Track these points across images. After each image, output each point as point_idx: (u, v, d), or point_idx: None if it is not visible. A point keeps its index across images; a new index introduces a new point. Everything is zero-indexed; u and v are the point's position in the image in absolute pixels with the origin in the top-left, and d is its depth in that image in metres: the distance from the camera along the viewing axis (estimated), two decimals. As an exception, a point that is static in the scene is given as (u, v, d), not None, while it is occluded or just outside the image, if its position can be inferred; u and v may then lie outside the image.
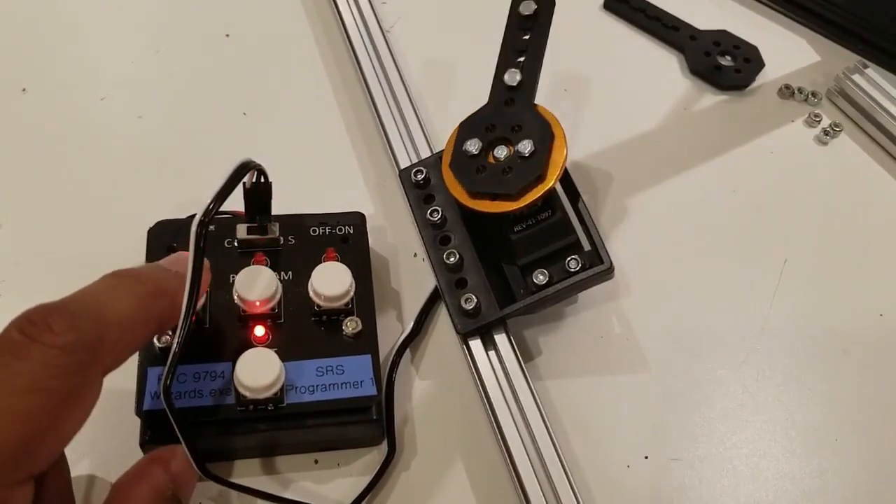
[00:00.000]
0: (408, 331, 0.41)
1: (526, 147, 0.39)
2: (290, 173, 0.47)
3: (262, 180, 0.36)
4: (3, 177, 0.45)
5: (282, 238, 0.39)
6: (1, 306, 0.40)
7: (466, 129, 0.41)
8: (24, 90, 0.49)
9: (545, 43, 0.40)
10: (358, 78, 0.51)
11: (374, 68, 0.50)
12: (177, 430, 0.31)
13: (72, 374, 0.26)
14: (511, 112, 0.40)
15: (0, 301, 0.41)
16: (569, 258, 0.39)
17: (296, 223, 0.40)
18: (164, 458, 0.32)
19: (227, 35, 0.53)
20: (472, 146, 0.40)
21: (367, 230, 0.41)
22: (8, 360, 0.26)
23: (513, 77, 0.40)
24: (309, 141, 0.49)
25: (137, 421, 0.35)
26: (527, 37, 0.40)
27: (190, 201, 0.42)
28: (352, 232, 0.41)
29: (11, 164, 0.46)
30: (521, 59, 0.40)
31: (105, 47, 0.52)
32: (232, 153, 0.35)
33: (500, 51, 0.41)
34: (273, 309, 0.37)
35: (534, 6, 0.40)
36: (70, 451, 0.36)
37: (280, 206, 0.39)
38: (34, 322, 0.26)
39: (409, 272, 0.44)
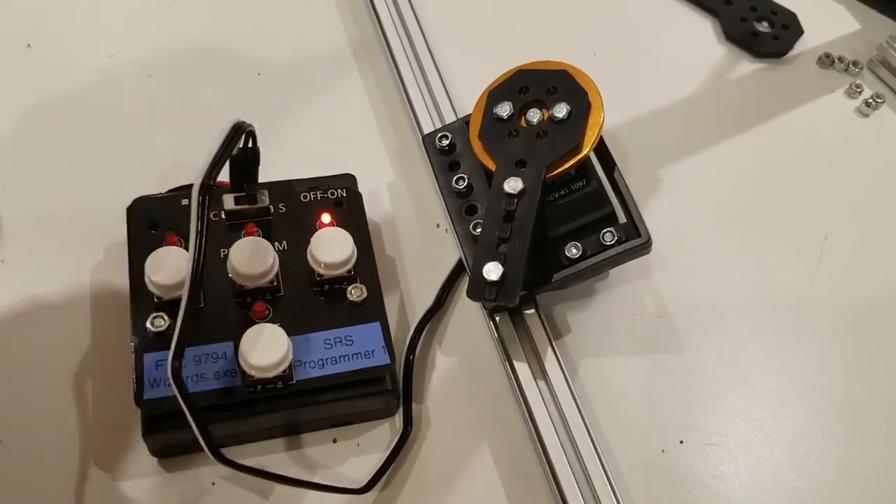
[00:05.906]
0: (429, 305, 0.40)
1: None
2: (305, 137, 0.45)
3: (252, 145, 0.34)
4: (4, 135, 0.43)
5: (272, 207, 0.37)
6: (5, 276, 0.39)
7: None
8: (28, 46, 0.47)
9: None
10: (378, 37, 0.49)
11: (395, 27, 0.48)
12: (189, 415, 0.29)
13: None
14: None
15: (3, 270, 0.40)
16: (604, 230, 0.37)
17: (285, 190, 0.38)
18: None
19: (241, -10, 0.51)
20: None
21: (362, 192, 0.39)
22: None
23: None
24: (326, 103, 0.47)
25: (136, 411, 0.33)
26: None
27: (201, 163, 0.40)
28: (345, 195, 0.39)
29: (14, 122, 0.44)
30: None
31: (114, 2, 0.50)
32: (245, 115, 0.33)
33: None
34: (272, 282, 0.35)
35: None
36: (68, 445, 0.35)
37: (295, 171, 0.38)
38: None
39: (430, 242, 0.42)
